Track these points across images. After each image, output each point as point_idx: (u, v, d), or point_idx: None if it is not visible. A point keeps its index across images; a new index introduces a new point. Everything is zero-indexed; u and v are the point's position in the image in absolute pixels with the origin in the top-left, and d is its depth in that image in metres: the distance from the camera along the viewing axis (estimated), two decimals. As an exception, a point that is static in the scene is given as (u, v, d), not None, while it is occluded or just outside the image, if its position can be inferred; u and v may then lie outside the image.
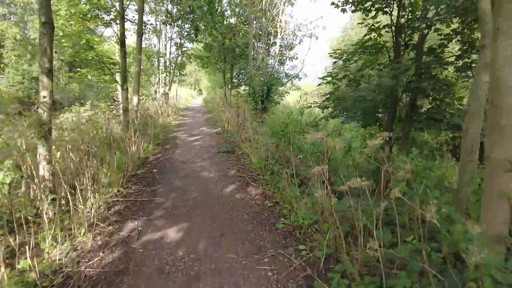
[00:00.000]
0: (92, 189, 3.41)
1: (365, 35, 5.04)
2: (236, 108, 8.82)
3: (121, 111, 7.14)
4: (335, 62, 5.93)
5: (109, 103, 7.05)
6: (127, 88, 6.93)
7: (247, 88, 16.55)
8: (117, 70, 7.10)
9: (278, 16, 12.40)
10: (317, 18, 10.94)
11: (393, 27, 4.67)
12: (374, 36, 4.93)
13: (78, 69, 10.25)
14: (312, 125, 5.09)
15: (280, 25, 11.99)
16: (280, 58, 12.37)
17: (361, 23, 5.19)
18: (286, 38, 13.75)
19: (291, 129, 4.71)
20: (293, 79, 12.31)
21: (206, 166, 4.92)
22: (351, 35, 15.80)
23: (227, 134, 8.35)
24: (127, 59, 11.15)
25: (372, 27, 4.83)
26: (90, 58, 6.70)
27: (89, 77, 9.56)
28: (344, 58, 5.44)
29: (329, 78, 5.34)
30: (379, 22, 4.71)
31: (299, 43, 13.77)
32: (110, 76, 7.10)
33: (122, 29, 6.72)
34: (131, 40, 12.17)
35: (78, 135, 4.95)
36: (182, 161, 5.22)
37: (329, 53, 6.22)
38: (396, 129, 4.89)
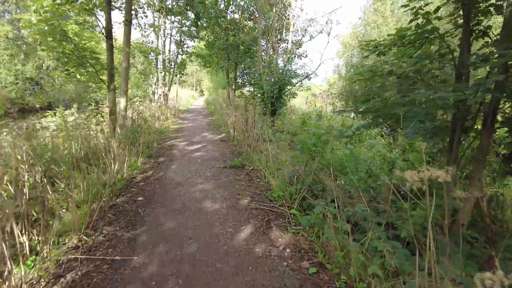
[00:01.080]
0: (40, 239, 2.25)
1: (411, 21, 3.89)
2: (244, 112, 7.63)
3: (108, 116, 5.99)
4: (366, 56, 4.82)
5: (93, 106, 5.90)
6: (115, 88, 5.78)
7: (252, 88, 15.39)
8: (101, 67, 5.93)
9: (287, 10, 11.23)
10: (332, 10, 9.75)
11: (462, 4, 3.47)
12: (422, 22, 3.77)
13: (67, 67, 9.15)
14: (346, 136, 3.89)
15: (293, 16, 10.80)
16: (290, 56, 11.17)
17: (406, 6, 4.02)
18: (295, 35, 12.54)
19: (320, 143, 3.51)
20: (302, 79, 11.10)
21: (209, 190, 3.73)
22: (368, 31, 14.60)
23: (233, 142, 7.18)
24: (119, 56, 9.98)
25: (420, 10, 3.68)
26: (68, 52, 5.55)
27: (78, 76, 8.44)
28: (378, 51, 4.24)
29: (368, 74, 4.17)
30: (430, 3, 3.58)
31: (310, 39, 12.55)
32: (94, 75, 5.94)
33: (108, 18, 5.57)
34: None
35: (42, 148, 3.80)
36: (178, 182, 4.04)
37: (360, 46, 5.03)
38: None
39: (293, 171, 3.23)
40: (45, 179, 3.02)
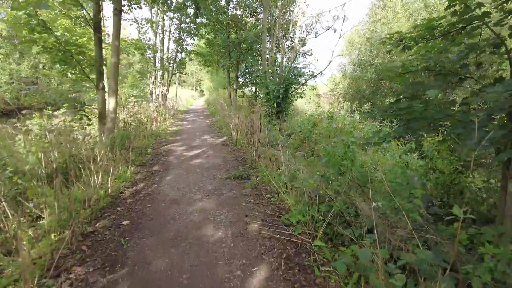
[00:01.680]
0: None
1: (446, 8, 3.22)
2: (247, 113, 6.98)
3: (96, 118, 5.34)
4: (389, 51, 4.19)
5: (78, 108, 5.25)
6: (104, 88, 5.13)
7: (254, 88, 14.74)
8: (89, 63, 5.28)
9: (292, 4, 10.61)
10: (341, 5, 9.13)
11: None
12: (460, 8, 3.10)
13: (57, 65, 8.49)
14: (374, 144, 3.23)
15: (298, 11, 10.17)
16: (296, 53, 10.53)
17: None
18: (301, 31, 11.90)
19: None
20: (309, 78, 10.44)
21: (210, 210, 3.08)
22: (377, 28, 13.97)
23: (235, 146, 6.53)
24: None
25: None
26: (51, 46, 4.90)
27: (69, 75, 7.79)
28: (403, 45, 3.58)
29: (398, 69, 3.51)
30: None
31: (316, 36, 11.92)
32: (80, 73, 5.28)
33: (97, 8, 4.93)
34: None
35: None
36: (173, 198, 3.39)
37: (382, 39, 4.34)
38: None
39: (316, 191, 2.57)
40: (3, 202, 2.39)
